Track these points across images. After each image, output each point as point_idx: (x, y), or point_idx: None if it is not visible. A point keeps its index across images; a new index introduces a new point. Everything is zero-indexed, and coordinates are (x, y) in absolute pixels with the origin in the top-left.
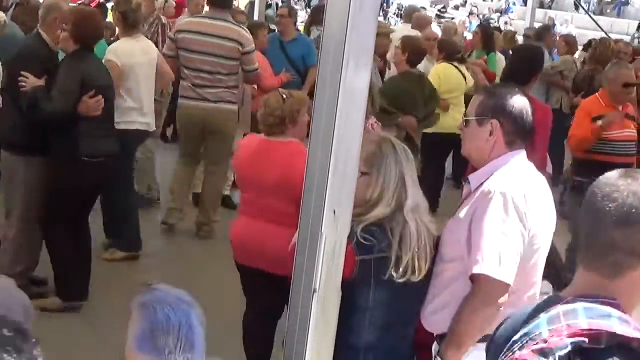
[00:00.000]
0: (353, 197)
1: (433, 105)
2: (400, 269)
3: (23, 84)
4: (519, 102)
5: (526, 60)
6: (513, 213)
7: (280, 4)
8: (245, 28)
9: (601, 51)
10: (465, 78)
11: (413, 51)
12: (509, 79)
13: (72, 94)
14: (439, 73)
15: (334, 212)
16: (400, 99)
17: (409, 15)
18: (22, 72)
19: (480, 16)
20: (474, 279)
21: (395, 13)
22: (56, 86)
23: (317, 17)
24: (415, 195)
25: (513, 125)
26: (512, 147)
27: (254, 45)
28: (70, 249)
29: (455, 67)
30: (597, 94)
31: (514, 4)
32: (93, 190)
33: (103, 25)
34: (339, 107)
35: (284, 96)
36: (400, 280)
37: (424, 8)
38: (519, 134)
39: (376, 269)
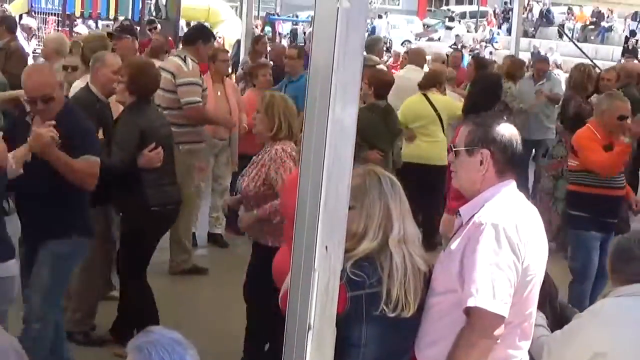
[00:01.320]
0: (345, 232)
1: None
2: (391, 304)
3: None
4: (507, 130)
5: (488, 90)
6: (505, 245)
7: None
8: (189, 61)
9: (576, 77)
10: (435, 108)
11: (379, 85)
12: (472, 109)
13: (132, 148)
14: (404, 105)
15: (326, 248)
16: (364, 132)
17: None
18: None
19: (467, 47)
20: (469, 312)
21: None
22: (115, 141)
23: None
24: (403, 227)
25: (503, 154)
26: (503, 177)
27: (192, 79)
28: (150, 299)
29: (426, 96)
30: (589, 125)
31: (498, 34)
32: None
33: (159, 76)
34: (328, 143)
35: None
36: (392, 315)
37: (409, 41)
38: (508, 162)
39: (368, 305)
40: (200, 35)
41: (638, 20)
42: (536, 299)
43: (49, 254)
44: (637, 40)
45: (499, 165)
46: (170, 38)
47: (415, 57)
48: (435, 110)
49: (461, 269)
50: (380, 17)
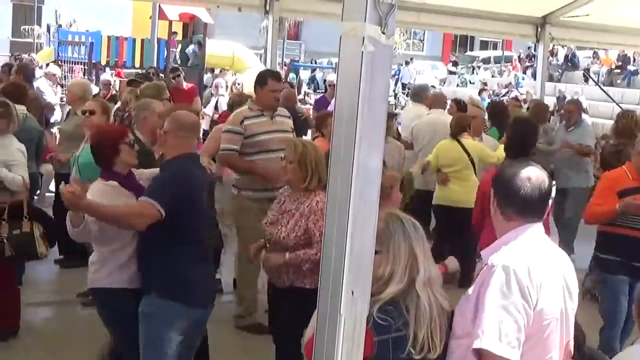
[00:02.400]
0: (371, 276)
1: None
2: (417, 347)
3: None
4: (520, 173)
5: (522, 134)
6: (515, 288)
7: None
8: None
9: (624, 124)
10: (467, 152)
11: None
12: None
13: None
14: (438, 148)
15: (352, 292)
16: None
17: (419, 94)
18: None
19: (490, 92)
20: (477, 353)
21: (405, 92)
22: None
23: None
24: (427, 269)
25: (505, 197)
26: (511, 220)
27: None
28: None
29: (459, 141)
30: (624, 166)
31: (522, 78)
32: None
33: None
34: (353, 187)
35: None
36: (418, 358)
37: (434, 86)
38: (512, 206)
39: (394, 348)
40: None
41: None
42: (557, 344)
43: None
44: None
45: (503, 209)
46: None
47: (434, 98)
48: (469, 154)
49: (475, 312)
50: (407, 63)
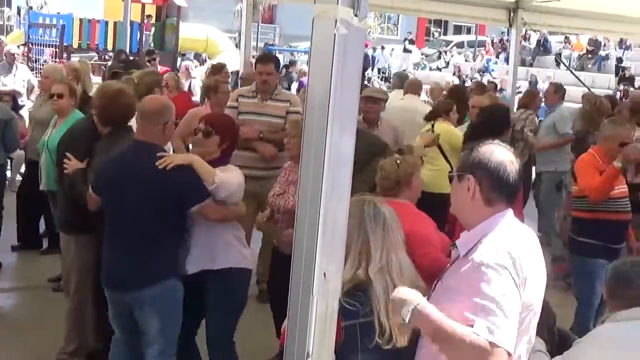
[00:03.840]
0: (343, 258)
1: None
2: (386, 335)
3: (66, 165)
4: (498, 156)
5: (492, 120)
6: (509, 283)
7: None
8: None
9: (586, 110)
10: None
11: None
12: (473, 138)
13: None
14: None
15: (324, 274)
16: None
17: (402, 81)
18: (67, 154)
19: (464, 76)
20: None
21: (380, 77)
22: (92, 168)
23: None
24: (386, 257)
25: (489, 181)
26: (493, 205)
27: None
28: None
29: (433, 126)
30: (592, 150)
31: (495, 63)
32: None
33: (129, 102)
34: (325, 170)
35: (398, 161)
36: (387, 347)
37: (409, 71)
38: (497, 190)
39: (362, 334)
40: None
41: (624, 47)
42: (533, 330)
43: None
44: (624, 68)
45: (486, 193)
46: (168, 68)
47: (411, 86)
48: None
49: (461, 307)
50: (383, 48)
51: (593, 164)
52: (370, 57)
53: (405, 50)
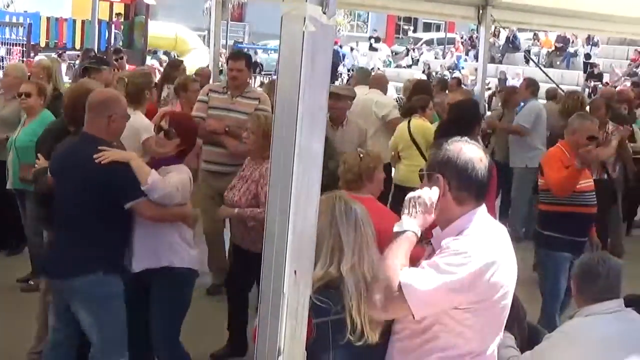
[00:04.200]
0: (313, 257)
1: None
2: (357, 331)
3: (36, 164)
4: (467, 154)
5: (462, 116)
6: (461, 274)
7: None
8: None
9: (570, 104)
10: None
11: None
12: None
13: None
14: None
15: (295, 272)
16: None
17: (366, 76)
18: (37, 153)
19: (433, 73)
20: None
21: (349, 75)
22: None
23: None
24: (358, 255)
25: (458, 179)
26: (463, 204)
27: None
28: None
29: (409, 122)
30: (559, 144)
31: (465, 60)
32: None
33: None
34: (295, 168)
35: (361, 155)
36: (359, 344)
37: (379, 68)
38: (466, 188)
39: (334, 332)
40: None
41: (591, 44)
42: (503, 327)
43: None
44: (593, 64)
45: (455, 192)
46: (136, 66)
47: (376, 81)
48: (411, 135)
49: None
50: (352, 49)
51: (560, 158)
52: (341, 55)
53: (371, 48)
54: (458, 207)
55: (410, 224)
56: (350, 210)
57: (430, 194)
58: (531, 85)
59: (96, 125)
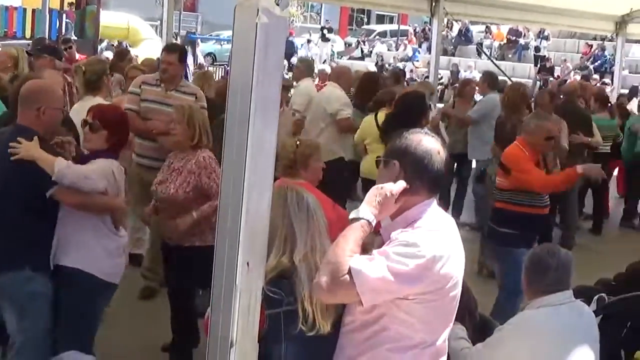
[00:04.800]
0: (266, 248)
1: None
2: (309, 321)
3: None
4: (425, 145)
5: (409, 108)
6: (408, 263)
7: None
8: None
9: (509, 97)
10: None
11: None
12: (392, 127)
13: None
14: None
15: (248, 264)
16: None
17: (309, 68)
18: None
19: (386, 65)
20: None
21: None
22: None
23: None
24: (311, 244)
25: (413, 168)
26: (416, 193)
27: None
28: None
29: (376, 115)
30: (517, 143)
31: (418, 52)
32: None
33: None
34: (248, 159)
35: (298, 142)
36: (311, 334)
37: (332, 60)
38: (420, 178)
39: (286, 323)
40: None
41: (542, 37)
42: (453, 318)
43: None
44: (545, 57)
45: (410, 181)
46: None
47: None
48: (379, 128)
49: None
50: (309, 41)
51: (523, 157)
52: (296, 46)
53: (324, 38)
54: (410, 196)
55: (366, 212)
56: (302, 200)
57: (394, 187)
58: (488, 79)
59: (26, 116)
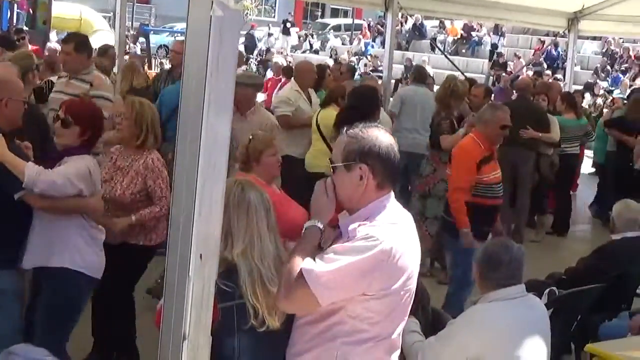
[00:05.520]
0: (219, 241)
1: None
2: (259, 317)
3: None
4: (384, 141)
5: (361, 103)
6: (368, 259)
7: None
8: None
9: (439, 92)
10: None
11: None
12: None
13: None
14: None
15: (201, 256)
16: None
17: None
18: None
19: (340, 59)
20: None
21: (256, 60)
22: None
23: None
24: (249, 241)
25: (382, 166)
26: (383, 189)
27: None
28: None
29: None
30: (472, 135)
31: (372, 46)
32: None
33: None
34: (202, 151)
35: (251, 137)
36: (261, 330)
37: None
38: (388, 174)
39: (239, 316)
40: None
41: (499, 34)
42: (408, 312)
43: None
44: (499, 53)
45: (379, 179)
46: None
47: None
48: (317, 122)
49: None
50: (270, 35)
51: (472, 153)
52: (256, 39)
53: (286, 31)
54: (378, 192)
55: (312, 220)
56: (244, 197)
57: (327, 190)
58: (415, 73)
59: None
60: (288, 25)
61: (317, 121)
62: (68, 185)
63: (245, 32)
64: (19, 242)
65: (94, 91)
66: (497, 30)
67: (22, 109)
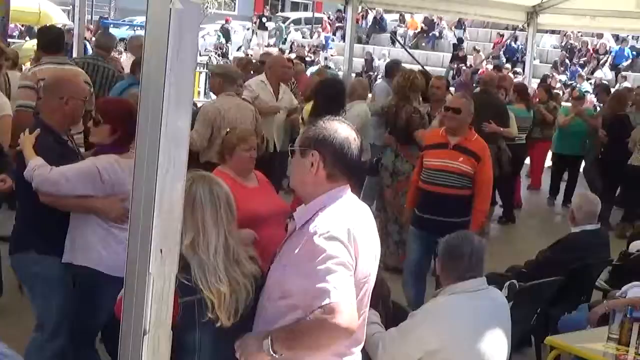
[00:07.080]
0: (179, 235)
1: None
2: (214, 313)
3: None
4: (342, 133)
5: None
6: (341, 251)
7: None
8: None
9: (398, 83)
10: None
11: None
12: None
13: None
14: None
15: (161, 251)
16: None
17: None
18: None
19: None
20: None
21: (216, 53)
22: None
23: None
24: (202, 236)
25: (334, 157)
26: (335, 181)
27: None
28: None
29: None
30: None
31: (332, 40)
32: None
33: None
34: (161, 146)
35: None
36: (219, 325)
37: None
38: (341, 167)
39: (200, 312)
40: None
41: (463, 28)
42: (368, 304)
43: None
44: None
45: (329, 169)
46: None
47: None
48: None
49: (302, 280)
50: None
51: (430, 135)
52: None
53: (262, 26)
54: (329, 183)
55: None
56: (191, 190)
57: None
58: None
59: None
60: (264, 20)
61: (302, 115)
62: (62, 182)
63: (220, 27)
64: (62, 233)
65: (21, 81)
66: (460, 24)
67: (82, 108)
